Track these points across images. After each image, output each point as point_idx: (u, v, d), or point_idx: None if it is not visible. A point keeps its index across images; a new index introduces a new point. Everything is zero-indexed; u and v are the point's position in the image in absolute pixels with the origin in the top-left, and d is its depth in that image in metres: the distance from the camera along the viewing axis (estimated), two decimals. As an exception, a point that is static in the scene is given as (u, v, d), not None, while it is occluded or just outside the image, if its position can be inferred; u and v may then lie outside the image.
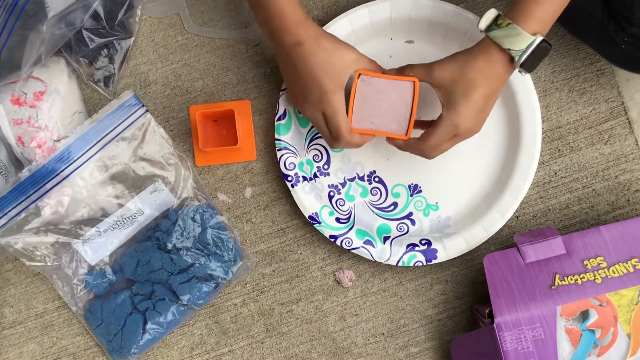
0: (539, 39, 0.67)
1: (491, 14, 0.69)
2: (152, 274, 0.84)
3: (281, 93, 0.86)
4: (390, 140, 0.77)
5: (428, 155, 0.74)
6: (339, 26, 0.84)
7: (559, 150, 0.88)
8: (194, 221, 0.85)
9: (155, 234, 0.85)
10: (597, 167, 0.88)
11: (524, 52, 0.67)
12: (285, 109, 0.86)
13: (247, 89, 0.90)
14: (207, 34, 0.90)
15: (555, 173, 0.88)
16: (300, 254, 0.89)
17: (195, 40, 0.90)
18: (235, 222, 0.89)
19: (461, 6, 0.86)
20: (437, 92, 0.73)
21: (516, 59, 0.68)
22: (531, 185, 0.87)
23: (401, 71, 0.76)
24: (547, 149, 0.88)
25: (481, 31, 0.69)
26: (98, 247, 0.85)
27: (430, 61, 0.81)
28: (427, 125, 0.76)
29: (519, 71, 0.70)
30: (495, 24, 0.68)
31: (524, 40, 0.66)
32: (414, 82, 0.74)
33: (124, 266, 0.85)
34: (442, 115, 0.71)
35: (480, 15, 0.82)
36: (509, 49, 0.67)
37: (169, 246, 0.84)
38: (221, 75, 0.90)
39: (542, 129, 0.87)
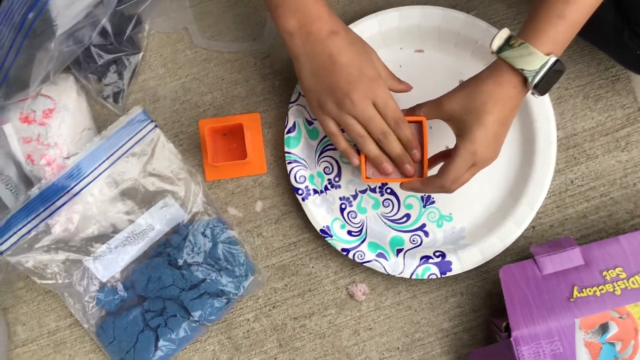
0: (553, 59, 0.66)
1: (503, 33, 0.68)
2: (164, 290, 0.84)
3: (290, 105, 0.86)
4: (407, 185, 0.74)
5: (449, 190, 0.71)
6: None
7: (575, 158, 0.88)
8: (205, 236, 0.84)
9: (166, 250, 0.85)
10: (615, 174, 0.87)
11: (538, 72, 0.65)
12: (294, 122, 0.86)
13: (257, 101, 0.90)
14: (215, 48, 0.90)
15: (572, 182, 0.88)
16: (312, 267, 0.88)
17: (203, 54, 0.90)
18: (246, 237, 0.89)
19: (472, 14, 0.86)
20: (450, 125, 0.72)
21: (529, 79, 0.66)
22: (547, 194, 0.86)
23: (411, 111, 0.75)
24: (562, 157, 0.88)
25: (493, 52, 0.68)
26: (109, 264, 0.85)
27: (441, 70, 0.80)
28: (439, 160, 0.76)
29: (532, 93, 0.68)
30: (507, 44, 0.67)
31: (537, 60, 0.65)
32: (422, 121, 0.74)
33: (135, 283, 0.85)
34: (457, 146, 0.70)
35: (492, 23, 0.83)
36: (522, 70, 0.66)
37: (180, 262, 0.83)
38: (230, 89, 0.90)
39: (557, 137, 0.86)
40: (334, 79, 0.69)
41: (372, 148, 0.72)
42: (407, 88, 0.77)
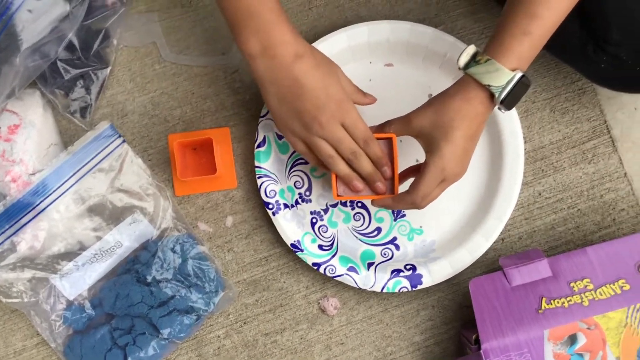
0: (519, 74, 0.66)
1: (470, 50, 0.68)
2: (132, 307, 0.82)
3: (260, 120, 0.86)
4: (379, 202, 0.75)
5: (419, 206, 0.72)
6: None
7: (543, 170, 0.88)
8: (174, 252, 0.83)
9: (134, 267, 0.84)
10: (582, 186, 0.88)
11: (504, 88, 0.66)
12: (265, 136, 0.86)
13: (226, 116, 0.90)
14: (185, 62, 0.90)
15: (540, 194, 0.88)
16: (284, 282, 0.88)
17: (172, 69, 0.90)
18: (217, 252, 0.88)
19: (439, 29, 0.87)
20: (419, 141, 0.72)
21: (496, 95, 0.67)
22: (515, 206, 0.86)
23: (380, 128, 0.75)
24: (530, 170, 0.88)
25: (459, 68, 0.69)
26: (76, 282, 0.84)
27: (410, 83, 0.82)
28: (409, 175, 0.77)
29: (499, 108, 0.69)
30: (474, 60, 0.67)
31: (503, 76, 0.66)
32: (391, 137, 0.74)
33: (103, 300, 0.84)
34: (427, 162, 0.70)
35: (459, 37, 0.84)
36: (488, 85, 0.66)
37: (149, 279, 0.82)
38: (200, 103, 0.90)
39: (525, 149, 0.87)
40: (301, 103, 0.69)
41: (342, 167, 0.73)
42: (372, 101, 0.77)
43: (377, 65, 0.87)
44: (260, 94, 0.72)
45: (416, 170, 0.75)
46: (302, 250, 0.85)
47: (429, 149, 0.70)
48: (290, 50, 0.67)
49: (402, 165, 0.79)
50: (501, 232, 0.86)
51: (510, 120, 0.84)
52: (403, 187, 0.75)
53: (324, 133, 0.70)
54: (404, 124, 0.73)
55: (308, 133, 0.70)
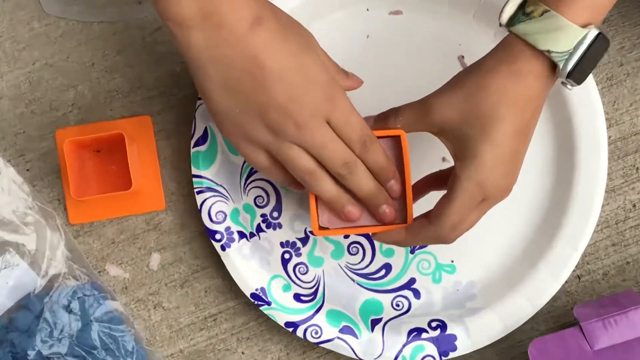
0: (594, 32, 0.66)
1: None
2: (5, 401, 0.83)
3: (199, 103, 0.85)
4: (385, 236, 0.75)
5: (447, 239, 0.72)
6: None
7: (638, 169, 0.88)
8: (70, 312, 0.83)
9: (8, 336, 0.83)
10: (700, 192, 0.89)
11: (572, 54, 0.66)
12: (206, 128, 0.85)
13: (146, 98, 0.89)
14: (79, 17, 0.89)
15: (635, 205, 0.89)
16: (243, 354, 0.88)
17: (60, 27, 0.89)
18: (137, 310, 0.88)
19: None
20: (444, 142, 0.72)
21: (560, 65, 0.66)
22: (597, 226, 0.86)
23: (383, 120, 0.75)
24: (619, 169, 0.89)
25: (502, 25, 0.69)
26: None
27: (428, 41, 0.84)
28: (430, 186, 0.78)
29: (563, 84, 0.69)
30: (523, 13, 0.67)
31: (570, 35, 0.65)
32: (400, 135, 0.74)
33: (-38, 391, 0.83)
34: (457, 174, 0.70)
35: None
36: (548, 51, 0.66)
37: (31, 354, 0.82)
38: (104, 80, 0.89)
39: (609, 138, 0.87)
40: (265, 94, 0.68)
41: (327, 187, 0.73)
42: (356, 84, 0.77)
43: (378, 13, 0.87)
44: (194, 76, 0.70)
45: (439, 180, 0.76)
46: (268, 304, 0.84)
47: (459, 154, 0.70)
48: (245, 13, 0.67)
49: (417, 174, 0.79)
50: (576, 266, 0.85)
51: (584, 94, 0.83)
52: (420, 208, 0.75)
53: (302, 138, 0.69)
54: (420, 115, 0.72)
55: (275, 139, 0.70)
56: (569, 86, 0.69)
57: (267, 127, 0.70)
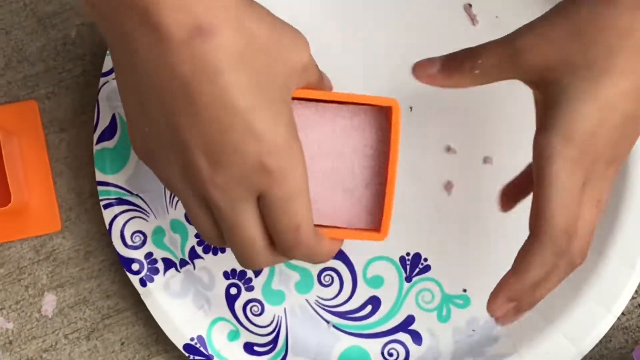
0: None
1: None
2: None
3: (104, 81, 0.75)
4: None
5: (573, 255, 0.63)
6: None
7: None
8: None
9: None
10: None
11: None
12: (114, 115, 0.76)
13: (29, 76, 0.80)
14: None
15: None
16: None
17: None
18: None
19: None
20: (537, 96, 0.65)
21: None
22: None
23: (455, 65, 0.67)
24: None
25: None
26: None
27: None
28: (520, 193, 0.71)
29: None
30: None
31: None
32: (391, 107, 0.65)
33: None
34: (544, 145, 0.61)
35: None
36: None
37: None
38: (-30, 53, 0.82)
39: None
40: (190, 131, 0.59)
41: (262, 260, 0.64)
42: (324, 88, 0.69)
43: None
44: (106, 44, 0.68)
45: (529, 177, 0.65)
46: (209, 358, 0.75)
47: (551, 115, 0.62)
48: (183, 19, 0.56)
49: (411, 167, 0.76)
50: (636, 292, 0.77)
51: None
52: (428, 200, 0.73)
53: (218, 202, 0.61)
54: (507, 56, 0.64)
55: (185, 186, 0.62)
56: None
57: (180, 167, 0.61)
